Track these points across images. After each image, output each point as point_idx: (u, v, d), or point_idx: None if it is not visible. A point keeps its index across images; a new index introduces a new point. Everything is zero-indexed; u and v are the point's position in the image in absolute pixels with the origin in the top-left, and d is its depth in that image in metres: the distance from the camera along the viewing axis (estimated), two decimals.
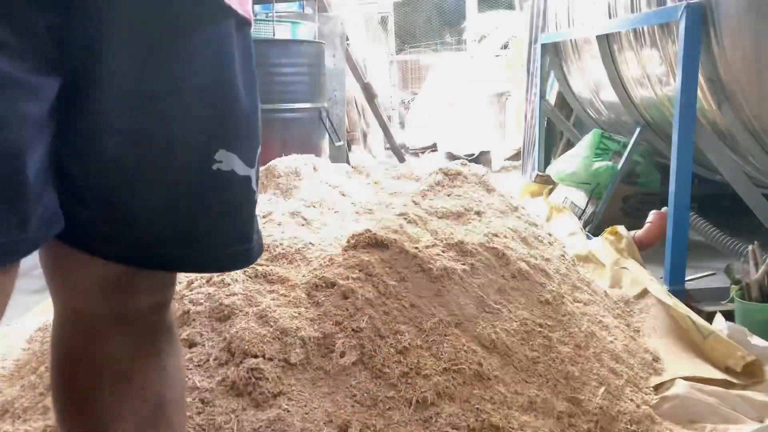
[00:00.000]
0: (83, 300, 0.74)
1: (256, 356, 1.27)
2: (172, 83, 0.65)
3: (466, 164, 2.87)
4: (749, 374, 1.63)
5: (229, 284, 1.48)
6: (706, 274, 2.39)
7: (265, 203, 2.70)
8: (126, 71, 0.62)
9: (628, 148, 3.04)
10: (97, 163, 0.64)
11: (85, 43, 0.60)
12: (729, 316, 1.87)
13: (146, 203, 0.67)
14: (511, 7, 8.81)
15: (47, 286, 0.78)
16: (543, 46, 4.05)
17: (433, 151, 6.89)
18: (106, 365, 0.76)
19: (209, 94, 0.68)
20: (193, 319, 1.40)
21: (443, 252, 1.70)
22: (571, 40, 3.68)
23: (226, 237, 0.74)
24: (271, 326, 1.33)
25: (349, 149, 5.25)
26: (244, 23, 0.73)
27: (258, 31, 4.33)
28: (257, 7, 5.02)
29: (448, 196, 2.59)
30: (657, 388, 1.59)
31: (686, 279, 2.19)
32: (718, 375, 1.62)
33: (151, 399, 0.78)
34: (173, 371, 0.82)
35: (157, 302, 0.78)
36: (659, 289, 2.05)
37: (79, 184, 0.64)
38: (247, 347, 1.28)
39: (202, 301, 1.44)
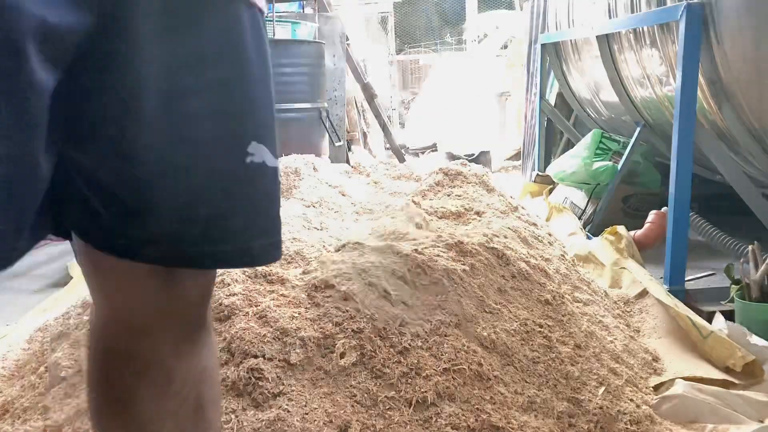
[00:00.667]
0: (126, 300, 0.73)
1: (256, 356, 1.27)
2: (201, 78, 0.65)
3: (466, 164, 2.88)
4: (749, 374, 1.63)
5: (229, 284, 1.48)
6: (706, 274, 2.39)
7: None
8: (155, 70, 0.62)
9: (628, 148, 3.04)
10: (124, 164, 0.63)
11: (112, 47, 0.59)
12: (729, 316, 1.87)
13: (183, 202, 0.66)
14: (511, 7, 8.81)
15: (87, 286, 0.77)
16: (543, 46, 4.05)
17: (433, 151, 6.89)
18: (149, 364, 0.75)
19: (237, 87, 0.68)
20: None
21: (443, 252, 1.70)
22: (571, 40, 3.68)
23: (259, 230, 0.73)
24: (271, 326, 1.33)
25: (349, 149, 5.25)
26: (257, 11, 0.72)
27: None
28: None
29: (448, 196, 2.59)
30: (657, 388, 1.59)
31: (686, 279, 2.19)
32: (718, 375, 1.62)
33: (191, 398, 0.77)
34: (212, 370, 0.81)
35: (199, 298, 0.77)
36: (659, 289, 2.05)
37: (113, 190, 0.63)
38: (247, 347, 1.28)
39: (208, 302, 1.43)
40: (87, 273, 0.76)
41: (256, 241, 0.73)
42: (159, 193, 0.64)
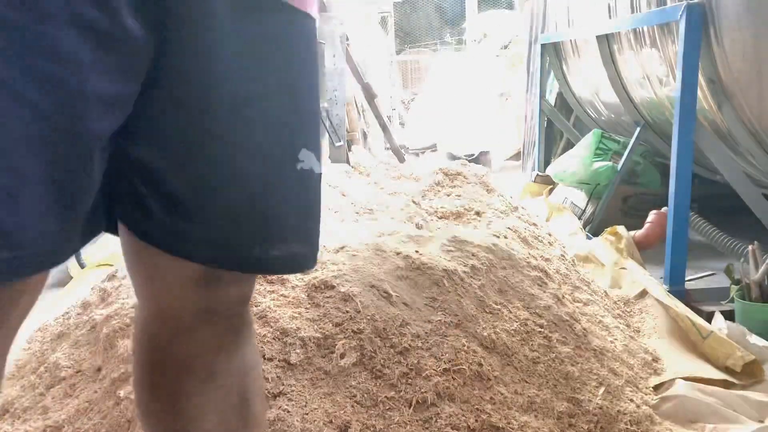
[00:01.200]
0: (171, 297, 0.74)
1: None
2: (262, 86, 0.67)
3: (466, 164, 2.88)
4: (749, 374, 1.63)
5: None
6: (706, 274, 2.39)
7: None
8: (224, 79, 0.64)
9: (628, 148, 3.04)
10: (189, 167, 0.65)
11: (181, 60, 0.61)
12: (729, 316, 1.87)
13: (238, 206, 0.68)
14: (511, 7, 8.81)
15: (132, 284, 0.79)
16: (543, 46, 4.04)
17: (433, 151, 6.89)
18: (194, 361, 0.76)
19: (294, 95, 0.70)
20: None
21: (443, 253, 1.70)
22: (570, 40, 3.68)
23: (305, 237, 0.75)
24: (271, 326, 1.33)
25: (349, 149, 5.25)
26: (312, 21, 0.74)
27: None
28: None
29: (448, 196, 2.59)
30: (657, 388, 1.59)
31: (686, 279, 2.19)
32: (718, 375, 1.62)
33: (234, 393, 0.78)
34: (254, 365, 0.82)
35: (242, 295, 0.79)
36: (659, 289, 2.05)
37: (169, 188, 0.65)
38: None
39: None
40: (133, 270, 0.77)
41: (302, 248, 0.75)
42: (217, 196, 0.66)
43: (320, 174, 0.75)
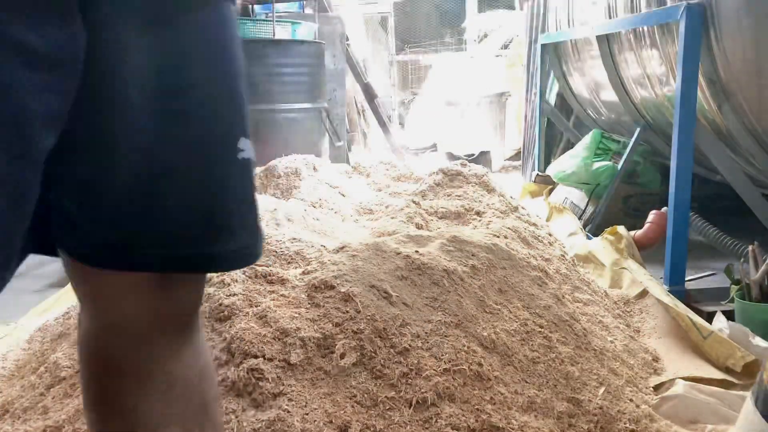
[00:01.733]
0: (124, 308, 0.72)
1: (256, 356, 1.27)
2: (188, 76, 0.64)
3: (466, 164, 2.88)
4: (749, 374, 1.63)
5: (228, 284, 1.48)
6: (706, 274, 2.39)
7: (265, 203, 2.69)
8: (139, 72, 0.61)
9: (628, 148, 3.04)
10: (118, 171, 0.62)
11: (92, 53, 0.58)
12: (729, 316, 1.87)
13: (179, 204, 0.65)
14: (511, 7, 8.80)
15: (77, 298, 0.76)
16: (543, 46, 4.04)
17: (433, 151, 6.89)
18: (150, 371, 0.74)
19: (225, 83, 0.68)
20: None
21: (443, 253, 1.70)
22: (571, 40, 3.68)
23: (252, 226, 0.74)
24: (271, 326, 1.33)
25: (349, 149, 5.25)
26: (231, 3, 0.72)
27: (258, 31, 4.33)
28: (257, 7, 5.02)
29: (448, 196, 2.59)
30: (657, 388, 1.59)
31: (686, 279, 2.19)
32: (718, 375, 1.62)
33: (194, 399, 0.77)
34: (210, 368, 0.81)
35: (194, 301, 0.77)
36: (659, 289, 2.05)
37: (105, 200, 0.62)
38: (247, 347, 1.28)
39: (202, 301, 1.43)
40: (76, 284, 0.74)
41: (250, 239, 0.73)
42: (153, 197, 0.63)
43: (254, 162, 0.73)
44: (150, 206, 0.64)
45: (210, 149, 0.66)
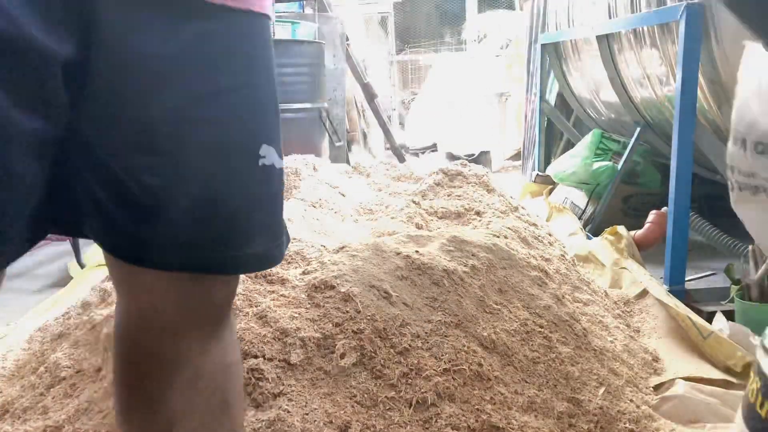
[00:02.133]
0: (152, 301, 0.74)
1: (256, 356, 1.27)
2: (214, 85, 0.67)
3: (466, 164, 2.87)
4: (749, 374, 1.62)
5: None
6: (706, 274, 2.39)
7: None
8: (160, 78, 0.63)
9: (628, 148, 3.04)
10: (144, 173, 0.64)
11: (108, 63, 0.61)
12: (729, 316, 1.87)
13: (201, 208, 0.67)
14: (511, 7, 8.80)
15: (113, 285, 0.79)
16: (543, 46, 4.04)
17: (433, 151, 6.89)
18: (177, 362, 0.76)
19: (249, 92, 0.71)
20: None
21: (443, 253, 1.70)
22: (571, 40, 3.68)
23: (273, 232, 0.76)
24: (271, 327, 1.33)
25: (349, 149, 5.25)
26: (265, 19, 0.75)
27: None
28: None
29: (448, 196, 2.59)
30: (657, 388, 1.59)
31: (686, 279, 2.19)
32: (718, 375, 1.62)
33: (217, 394, 0.78)
34: (236, 366, 0.82)
35: (224, 300, 0.79)
36: (659, 290, 2.05)
37: (129, 196, 0.65)
38: (247, 347, 1.28)
39: (233, 298, 1.43)
40: (113, 275, 0.77)
41: (272, 243, 0.75)
42: (176, 199, 0.66)
43: (281, 169, 0.76)
44: (169, 208, 0.66)
45: (230, 155, 0.69)
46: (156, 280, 0.72)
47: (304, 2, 5.42)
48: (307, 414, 1.19)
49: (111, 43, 0.60)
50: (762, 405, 0.88)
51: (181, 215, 0.67)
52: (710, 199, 2.97)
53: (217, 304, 0.78)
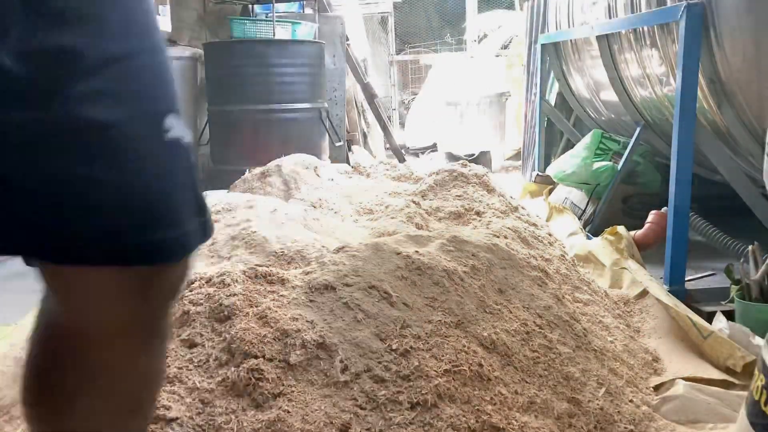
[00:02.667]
0: (81, 306, 0.69)
1: (256, 357, 1.27)
2: (102, 54, 0.60)
3: (466, 164, 2.88)
4: (749, 374, 1.63)
5: (229, 285, 1.48)
6: (706, 274, 2.39)
7: (265, 204, 2.69)
8: (42, 51, 0.57)
9: (628, 148, 3.04)
10: (43, 164, 0.58)
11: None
12: (729, 316, 1.87)
13: (110, 192, 0.61)
14: (511, 7, 8.81)
15: (44, 294, 0.74)
16: (543, 46, 4.04)
17: (433, 151, 6.89)
18: (101, 368, 0.72)
19: (147, 58, 0.64)
20: (193, 320, 1.40)
21: (443, 253, 1.70)
22: (571, 40, 3.68)
23: (193, 209, 0.69)
24: (272, 327, 1.33)
25: (349, 149, 5.25)
26: None
27: (258, 31, 4.33)
28: (257, 8, 5.02)
29: (448, 196, 2.59)
30: (657, 388, 1.59)
31: (686, 279, 2.19)
32: (718, 375, 1.62)
33: (134, 399, 0.76)
34: (158, 373, 0.80)
35: (164, 306, 0.74)
36: (659, 289, 2.05)
37: (28, 197, 0.59)
38: (247, 348, 1.28)
39: (202, 301, 1.44)
40: (45, 284, 0.71)
41: (191, 225, 0.69)
42: (82, 186, 0.60)
43: (190, 143, 0.68)
44: (81, 196, 0.60)
45: (132, 131, 0.62)
46: (85, 285, 0.66)
47: (304, 2, 5.42)
48: (307, 415, 1.19)
49: None
50: (767, 402, 0.89)
51: (91, 203, 0.60)
52: (710, 199, 2.97)
53: (152, 313, 0.72)
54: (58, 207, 0.60)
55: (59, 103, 0.58)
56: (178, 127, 0.66)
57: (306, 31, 4.63)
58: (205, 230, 0.71)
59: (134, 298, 0.69)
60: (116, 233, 0.63)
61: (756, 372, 0.94)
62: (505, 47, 7.64)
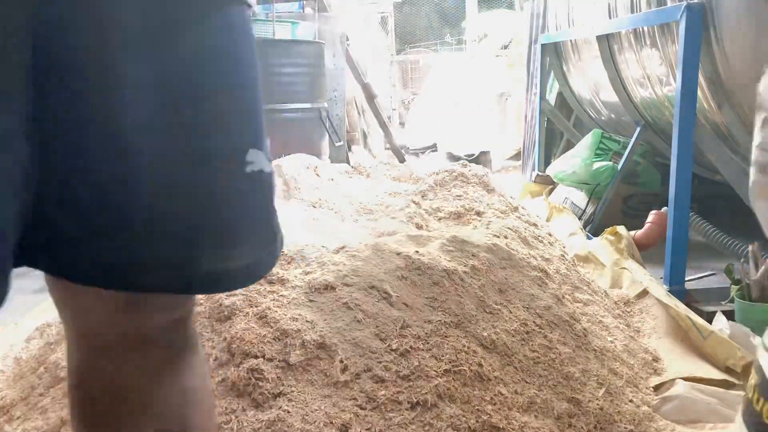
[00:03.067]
0: (92, 324, 0.69)
1: (256, 357, 1.27)
2: (196, 87, 0.61)
3: (466, 164, 2.88)
4: (749, 374, 1.62)
5: None
6: (706, 274, 2.39)
7: None
8: (147, 85, 0.58)
9: (628, 148, 3.04)
10: (120, 191, 0.58)
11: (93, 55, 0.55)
12: (729, 316, 1.87)
13: (185, 222, 0.61)
14: (511, 7, 8.81)
15: (58, 311, 0.74)
16: (543, 46, 4.04)
17: (433, 151, 6.89)
18: (123, 391, 0.71)
19: (234, 93, 0.65)
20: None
21: (443, 253, 1.70)
22: (571, 40, 3.68)
23: (262, 242, 0.70)
24: (272, 327, 1.33)
25: (349, 149, 5.25)
26: (245, 8, 0.68)
27: (258, 31, 4.33)
28: (257, 8, 5.02)
29: (448, 196, 2.59)
30: (657, 388, 1.59)
31: (686, 279, 2.19)
32: (718, 375, 1.62)
33: (172, 422, 0.73)
34: (196, 392, 0.76)
35: (175, 319, 0.73)
36: (659, 289, 2.05)
37: (107, 220, 0.59)
38: (247, 348, 1.28)
39: (202, 301, 1.44)
40: (54, 297, 0.72)
41: (259, 254, 0.69)
42: (160, 215, 0.60)
43: (270, 173, 0.69)
44: (152, 225, 0.60)
45: (215, 163, 0.63)
46: (99, 303, 0.66)
47: (304, 2, 5.42)
48: (307, 414, 1.19)
49: (88, 50, 0.55)
50: (758, 401, 0.89)
51: (163, 233, 0.60)
52: (710, 199, 2.97)
53: (166, 328, 0.72)
54: (115, 232, 0.59)
55: (150, 134, 0.58)
56: (260, 161, 0.67)
57: (306, 31, 4.63)
58: (273, 258, 0.72)
59: (144, 313, 0.69)
60: (178, 265, 0.63)
61: (752, 371, 0.94)
62: (505, 47, 7.64)
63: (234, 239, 0.66)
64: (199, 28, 0.61)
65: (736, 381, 1.60)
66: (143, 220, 0.59)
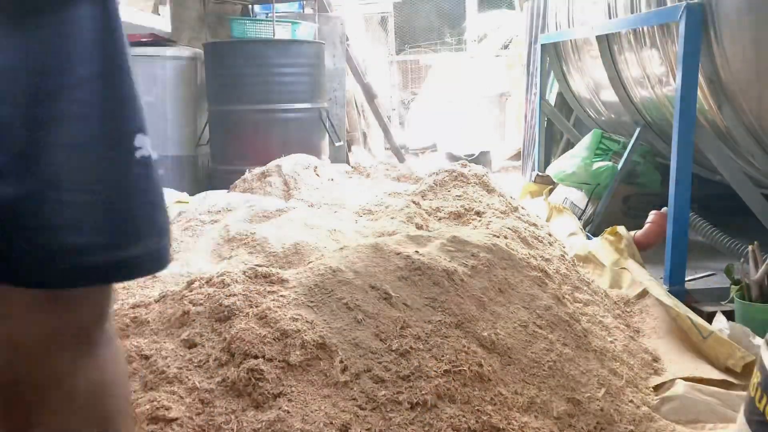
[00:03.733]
0: (14, 323, 0.68)
1: (256, 357, 1.27)
2: (69, 76, 0.61)
3: (466, 164, 2.88)
4: (749, 374, 1.62)
5: (228, 285, 1.48)
6: (706, 274, 2.39)
7: (265, 204, 2.70)
8: (13, 77, 0.57)
9: (628, 148, 3.04)
10: (6, 186, 0.58)
11: None
12: (729, 316, 1.87)
13: (75, 213, 0.61)
14: (511, 7, 8.80)
15: None
16: (543, 46, 4.04)
17: (433, 151, 6.89)
18: (48, 386, 0.71)
19: (114, 79, 0.65)
20: (193, 320, 1.40)
21: (443, 253, 1.70)
22: (571, 40, 3.68)
23: (159, 229, 0.70)
24: (272, 327, 1.33)
25: (349, 149, 5.25)
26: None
27: (258, 31, 4.33)
28: (257, 8, 5.02)
29: (448, 196, 2.59)
30: (657, 388, 1.59)
31: (686, 279, 2.19)
32: (718, 375, 1.62)
33: (96, 414, 0.75)
34: (113, 383, 0.78)
35: (94, 317, 0.73)
36: (659, 290, 2.05)
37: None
38: (247, 348, 1.28)
39: (202, 301, 1.44)
40: None
41: (159, 242, 0.69)
42: (48, 208, 0.59)
43: (156, 159, 0.69)
44: (46, 218, 0.60)
45: (101, 150, 0.63)
46: (20, 303, 0.66)
47: (304, 2, 5.42)
48: (307, 415, 1.19)
49: None
50: (761, 399, 0.89)
51: (55, 225, 0.60)
52: (710, 199, 2.97)
53: (89, 322, 0.72)
54: (21, 228, 0.59)
55: (23, 126, 0.58)
56: (147, 146, 0.66)
57: (306, 31, 4.63)
58: (160, 257, 0.70)
59: (66, 309, 0.68)
60: (76, 255, 0.62)
61: (755, 369, 0.95)
62: (505, 47, 7.64)
63: (132, 227, 0.66)
64: (57, 20, 0.61)
65: (736, 381, 1.60)
66: (32, 215, 0.59)
